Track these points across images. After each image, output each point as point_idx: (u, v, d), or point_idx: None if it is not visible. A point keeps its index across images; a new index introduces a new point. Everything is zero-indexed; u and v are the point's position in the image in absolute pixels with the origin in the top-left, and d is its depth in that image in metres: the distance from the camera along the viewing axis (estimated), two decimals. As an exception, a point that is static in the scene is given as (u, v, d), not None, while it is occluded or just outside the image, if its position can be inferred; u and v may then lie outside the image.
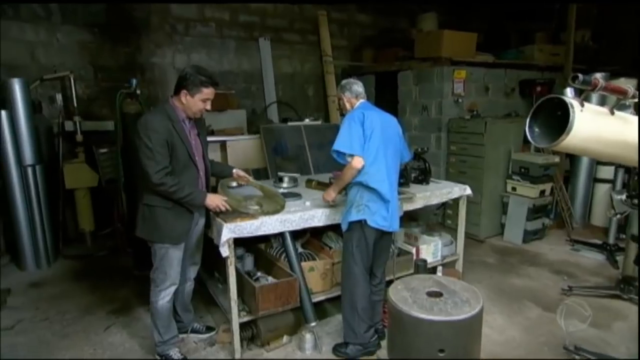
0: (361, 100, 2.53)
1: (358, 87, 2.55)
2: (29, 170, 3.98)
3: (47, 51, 4.64)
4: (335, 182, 2.56)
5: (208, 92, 2.26)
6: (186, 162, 2.32)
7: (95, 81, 4.94)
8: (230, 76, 5.63)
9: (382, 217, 2.38)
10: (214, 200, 2.38)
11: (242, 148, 4.61)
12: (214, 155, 4.30)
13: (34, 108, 4.15)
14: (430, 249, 3.27)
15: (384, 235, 2.47)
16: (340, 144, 2.33)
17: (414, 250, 3.24)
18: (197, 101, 2.25)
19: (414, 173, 3.41)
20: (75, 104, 4.64)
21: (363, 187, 2.39)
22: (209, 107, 2.31)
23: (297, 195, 3.03)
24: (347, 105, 2.53)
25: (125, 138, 3.72)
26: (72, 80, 4.62)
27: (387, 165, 2.42)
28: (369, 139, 2.35)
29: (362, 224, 2.38)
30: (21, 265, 4.01)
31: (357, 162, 2.32)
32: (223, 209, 2.40)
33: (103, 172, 4.59)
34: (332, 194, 2.60)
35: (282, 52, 5.92)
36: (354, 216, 2.38)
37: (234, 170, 2.65)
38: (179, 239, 2.38)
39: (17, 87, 3.90)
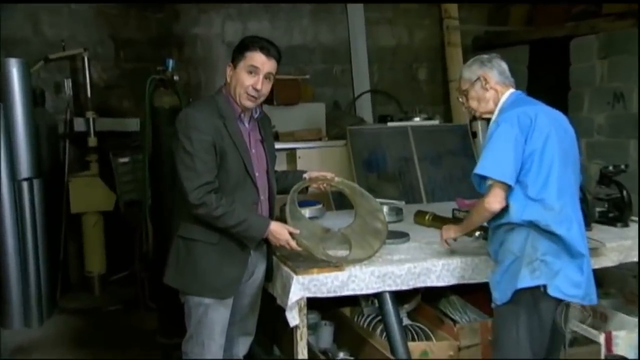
0: (511, 90, 2.43)
1: (506, 67, 2.46)
2: (24, 185, 4.32)
3: (55, 20, 5.09)
4: (464, 222, 2.53)
5: (254, 56, 2.34)
6: (240, 178, 2.39)
7: (115, 62, 5.34)
8: (303, 53, 5.80)
9: (570, 281, 2.26)
10: (281, 234, 2.41)
11: (319, 159, 4.70)
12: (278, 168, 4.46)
13: (34, 99, 4.54)
14: (632, 339, 2.91)
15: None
16: (487, 164, 2.26)
17: (601, 338, 2.92)
18: (242, 73, 2.35)
19: (600, 207, 3.22)
20: (88, 94, 5.04)
21: (538, 230, 2.27)
22: (259, 85, 2.35)
23: (402, 236, 3.00)
24: (489, 96, 2.42)
25: (155, 143, 3.93)
26: (85, 60, 5.04)
27: (572, 195, 2.33)
28: (539, 152, 2.25)
29: (536, 292, 2.26)
30: (5, 321, 4.32)
31: (497, 199, 2.25)
32: (291, 246, 2.44)
33: (122, 190, 4.89)
34: (452, 232, 2.59)
35: (380, 15, 6.00)
36: (526, 280, 2.25)
37: (306, 175, 2.70)
38: (226, 291, 2.44)
39: (14, 70, 4.27)
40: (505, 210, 2.30)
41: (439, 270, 2.66)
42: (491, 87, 2.40)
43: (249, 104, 2.40)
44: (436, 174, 4.86)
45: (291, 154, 4.72)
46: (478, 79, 2.41)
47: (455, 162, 5.01)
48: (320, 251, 2.57)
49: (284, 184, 2.68)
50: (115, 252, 5.07)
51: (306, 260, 2.57)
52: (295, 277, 2.47)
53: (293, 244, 2.43)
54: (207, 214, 2.29)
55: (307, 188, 2.77)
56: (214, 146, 2.30)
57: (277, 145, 3.19)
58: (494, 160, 2.25)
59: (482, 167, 2.27)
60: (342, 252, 2.69)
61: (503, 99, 2.40)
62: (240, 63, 2.37)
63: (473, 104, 2.45)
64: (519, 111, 2.29)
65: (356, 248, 2.69)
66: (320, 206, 3.53)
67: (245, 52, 2.35)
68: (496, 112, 2.39)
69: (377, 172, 4.80)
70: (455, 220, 3.31)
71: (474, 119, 5.42)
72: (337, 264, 2.54)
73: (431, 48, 6.17)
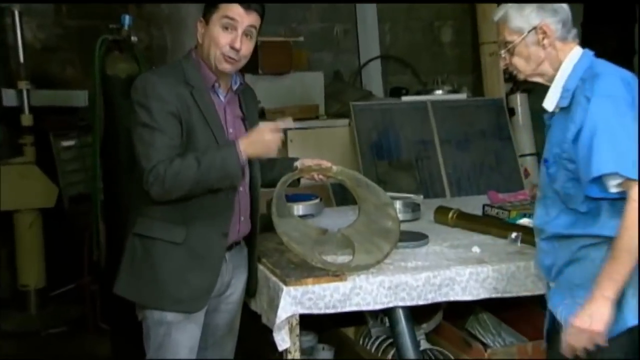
0: (578, 49, 2.23)
1: (569, 14, 2.24)
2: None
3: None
4: (615, 259, 2.00)
5: (230, 7, 2.35)
6: None
7: (56, 18, 5.32)
8: (295, 9, 5.79)
9: None
10: (261, 131, 2.35)
11: (315, 143, 4.71)
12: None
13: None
14: None
15: None
16: (614, 159, 1.96)
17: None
18: (216, 29, 2.36)
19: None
20: (21, 59, 4.98)
21: None
22: (238, 43, 2.35)
23: (420, 238, 3.03)
24: (544, 56, 2.20)
25: (109, 121, 3.92)
26: (16, 16, 4.94)
27: None
28: None
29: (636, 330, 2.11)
30: None
31: None
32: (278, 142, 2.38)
33: (66, 181, 4.88)
34: (605, 315, 2.02)
35: (393, -39, 6.02)
36: (634, 314, 2.07)
37: (297, 163, 2.77)
38: (193, 304, 2.46)
39: None
40: (590, 217, 2.11)
41: (465, 281, 2.67)
42: (550, 43, 2.19)
43: (227, 67, 2.40)
44: (463, 161, 4.90)
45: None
46: (533, 29, 2.19)
47: (487, 146, 5.04)
48: (315, 257, 2.58)
49: (271, 175, 2.71)
50: (58, 260, 5.06)
51: (299, 268, 2.58)
52: (285, 288, 2.47)
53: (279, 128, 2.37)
54: (162, 187, 2.26)
55: (299, 180, 2.79)
56: (179, 120, 2.32)
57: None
58: (627, 151, 1.96)
59: (615, 163, 1.96)
60: (343, 258, 2.71)
61: (569, 61, 2.20)
62: (213, 16, 2.36)
63: (519, 63, 2.25)
64: (621, 77, 2.10)
65: (361, 252, 2.70)
66: (316, 201, 3.56)
67: (219, 3, 2.36)
68: (563, 79, 2.18)
69: (388, 159, 4.83)
70: (486, 219, 3.36)
71: (511, 91, 5.51)
72: (337, 273, 2.55)
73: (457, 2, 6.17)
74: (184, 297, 2.43)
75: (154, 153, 2.27)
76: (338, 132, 4.87)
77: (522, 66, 2.25)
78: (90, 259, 4.62)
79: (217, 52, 2.36)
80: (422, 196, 3.80)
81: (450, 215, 3.37)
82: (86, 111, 4.77)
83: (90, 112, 4.20)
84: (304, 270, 2.57)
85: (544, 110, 2.27)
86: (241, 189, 2.52)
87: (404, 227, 3.08)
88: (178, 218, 2.39)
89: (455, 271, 2.67)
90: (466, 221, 3.31)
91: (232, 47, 2.35)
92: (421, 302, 2.66)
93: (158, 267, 2.42)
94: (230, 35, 2.35)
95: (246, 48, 2.39)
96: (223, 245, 2.49)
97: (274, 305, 2.50)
